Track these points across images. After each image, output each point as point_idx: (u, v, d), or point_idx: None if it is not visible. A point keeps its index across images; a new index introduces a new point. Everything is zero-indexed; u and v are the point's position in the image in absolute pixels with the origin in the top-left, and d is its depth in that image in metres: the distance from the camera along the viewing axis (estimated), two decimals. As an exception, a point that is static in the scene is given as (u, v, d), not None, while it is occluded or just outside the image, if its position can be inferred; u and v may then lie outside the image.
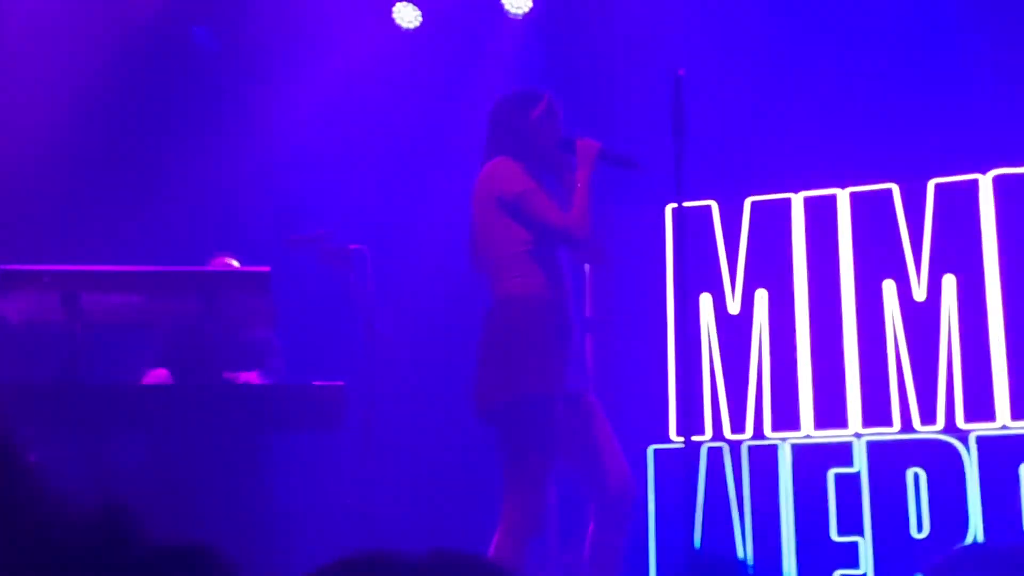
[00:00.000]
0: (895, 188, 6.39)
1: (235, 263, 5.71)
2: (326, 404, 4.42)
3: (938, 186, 6.32)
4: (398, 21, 7.33)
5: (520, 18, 7.23)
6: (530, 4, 7.19)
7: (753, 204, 6.66)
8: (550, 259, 4.14)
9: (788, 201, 6.60)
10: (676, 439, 6.48)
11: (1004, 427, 6.03)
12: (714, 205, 6.69)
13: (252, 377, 5.14)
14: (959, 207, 6.29)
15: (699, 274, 6.52)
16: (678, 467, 6.37)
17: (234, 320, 4.68)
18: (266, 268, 4.43)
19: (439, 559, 1.41)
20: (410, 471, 6.90)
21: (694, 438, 6.29)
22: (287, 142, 7.22)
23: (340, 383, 4.48)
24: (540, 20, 7.23)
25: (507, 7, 7.22)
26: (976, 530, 5.92)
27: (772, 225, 6.61)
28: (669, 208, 6.59)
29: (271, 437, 4.63)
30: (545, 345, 4.02)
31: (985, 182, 6.25)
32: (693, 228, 6.49)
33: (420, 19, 7.32)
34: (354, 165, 7.34)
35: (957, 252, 6.25)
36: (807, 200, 6.57)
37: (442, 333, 7.12)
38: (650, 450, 6.55)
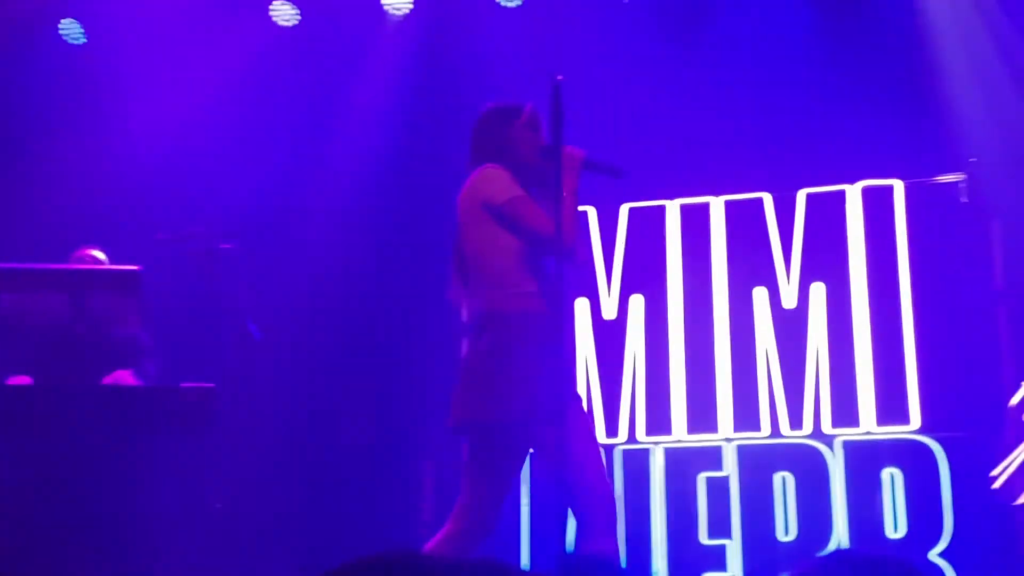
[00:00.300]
0: (767, 197, 6.51)
1: (100, 255, 5.58)
2: (196, 406, 4.33)
3: (808, 196, 6.45)
4: (275, 19, 7.25)
5: (400, 19, 7.20)
6: (410, 5, 7.16)
7: (630, 210, 6.72)
8: (541, 269, 4.08)
9: (663, 208, 6.68)
10: (550, 443, 6.50)
11: (868, 432, 6.18)
12: (591, 210, 6.74)
13: (122, 378, 5.03)
14: (828, 217, 6.43)
15: (576, 278, 6.56)
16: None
17: (103, 320, 4.57)
18: (137, 267, 4.33)
19: (465, 564, 1.39)
20: (283, 472, 6.82)
21: (568, 442, 6.32)
22: (159, 139, 7.08)
23: (210, 385, 4.40)
24: (421, 21, 7.21)
25: (387, 7, 7.18)
26: (840, 534, 6.06)
27: (648, 231, 6.68)
28: (546, 213, 6.64)
29: (141, 440, 4.52)
30: (532, 366, 3.93)
31: (853, 193, 6.40)
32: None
33: (298, 17, 7.24)
34: (227, 163, 7.23)
35: (826, 261, 6.39)
36: (683, 207, 6.66)
37: (315, 332, 7.06)
38: (524, 454, 6.56)
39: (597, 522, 3.97)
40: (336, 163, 7.26)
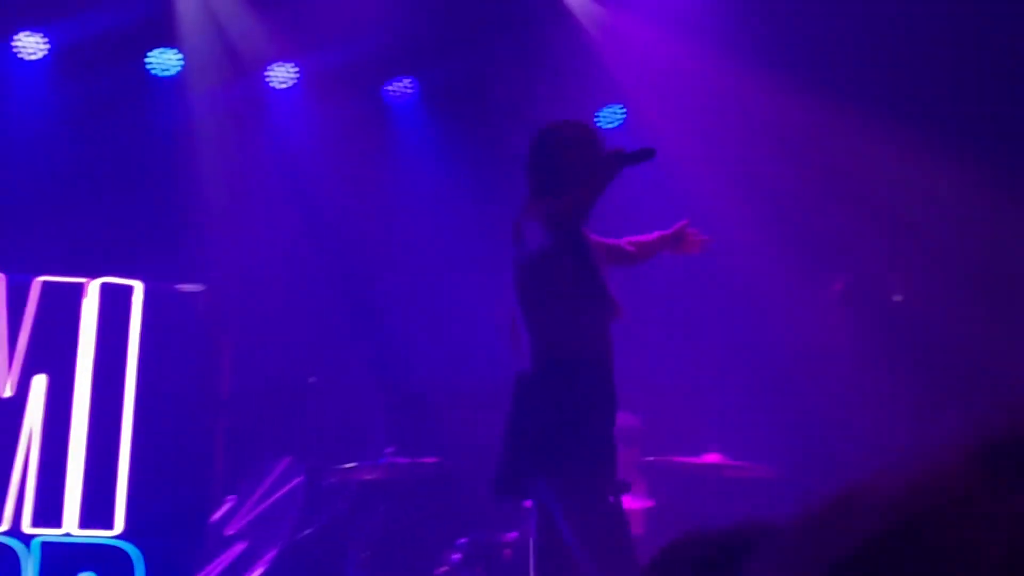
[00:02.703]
0: (-1, 279, 6.17)
1: None
2: None
3: (43, 284, 6.20)
4: None
5: None
6: None
7: None
8: (599, 319, 3.76)
9: None
10: None
11: (69, 534, 5.96)
12: None
13: None
14: (62, 308, 6.22)
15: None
16: None
17: None
18: None
19: None
20: None
21: None
22: None
23: None
24: None
25: None
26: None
27: None
28: None
29: None
30: (600, 419, 3.66)
31: (92, 287, 6.26)
32: None
33: None
34: None
35: (53, 351, 6.16)
36: None
37: None
38: None
39: None
40: None
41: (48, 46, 6.52)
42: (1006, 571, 0.49)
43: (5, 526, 5.89)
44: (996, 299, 5.91)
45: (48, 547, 5.91)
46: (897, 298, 5.45)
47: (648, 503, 5.26)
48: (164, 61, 6.69)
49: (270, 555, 5.95)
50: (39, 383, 6.13)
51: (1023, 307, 5.95)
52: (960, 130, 6.20)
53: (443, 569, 5.28)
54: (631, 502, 5.30)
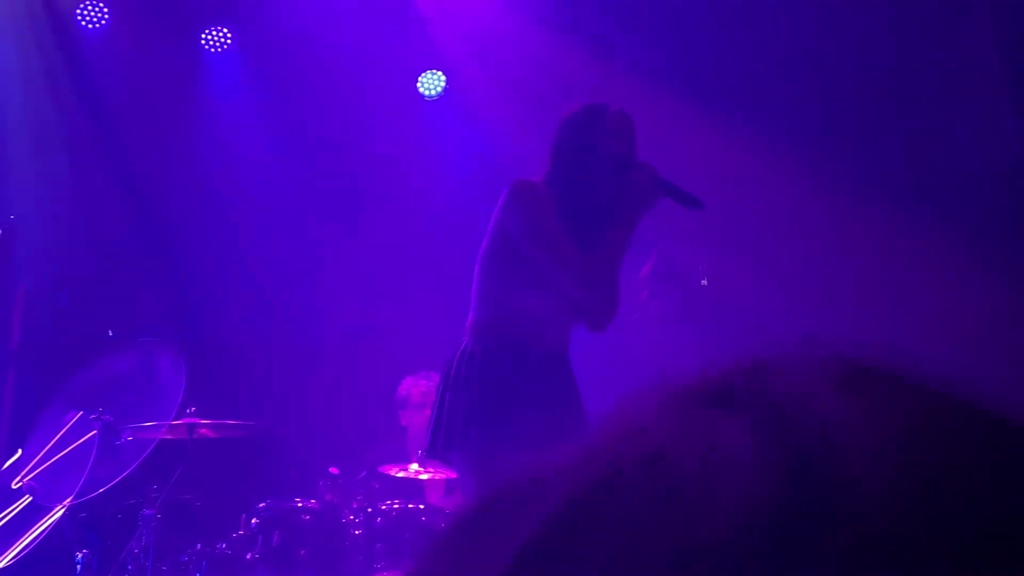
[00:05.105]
0: None
1: None
2: None
3: None
4: None
5: None
6: None
7: None
8: (544, 289, 3.42)
9: None
10: None
11: None
12: None
13: None
14: None
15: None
16: None
17: None
18: None
19: None
20: None
21: None
22: None
23: None
24: None
25: None
26: None
27: None
28: None
29: None
30: (501, 397, 3.34)
31: None
32: None
33: None
34: None
35: None
36: None
37: None
38: None
39: None
40: None
41: None
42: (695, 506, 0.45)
43: None
44: (799, 285, 6.11)
45: None
46: (703, 283, 5.58)
47: (451, 473, 5.26)
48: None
49: (58, 510, 5.77)
50: None
51: (826, 296, 6.16)
52: (768, 117, 6.36)
53: (239, 533, 5.20)
54: (432, 472, 5.32)
